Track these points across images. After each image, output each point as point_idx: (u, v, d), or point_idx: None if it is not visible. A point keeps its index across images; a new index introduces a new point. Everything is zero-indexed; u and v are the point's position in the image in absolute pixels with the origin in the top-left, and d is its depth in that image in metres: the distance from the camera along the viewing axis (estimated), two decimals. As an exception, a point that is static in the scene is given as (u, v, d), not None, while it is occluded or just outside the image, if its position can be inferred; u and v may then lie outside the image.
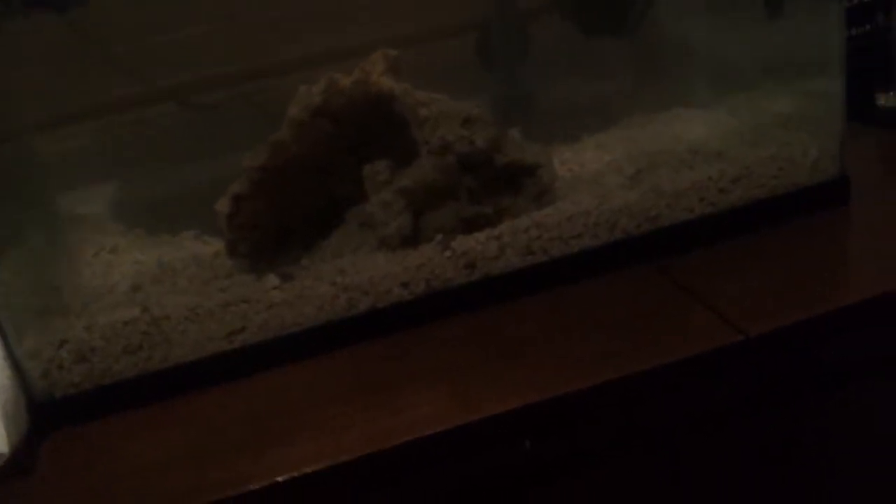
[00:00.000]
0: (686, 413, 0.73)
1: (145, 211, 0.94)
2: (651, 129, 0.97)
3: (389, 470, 0.65)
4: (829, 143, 0.87)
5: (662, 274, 0.81)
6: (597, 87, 1.01)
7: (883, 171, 0.97)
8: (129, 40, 0.93)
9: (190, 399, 0.73)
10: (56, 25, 0.88)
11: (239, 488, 0.63)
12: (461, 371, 0.72)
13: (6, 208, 0.82)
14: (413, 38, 0.96)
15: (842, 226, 0.86)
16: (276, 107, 0.83)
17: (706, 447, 0.75)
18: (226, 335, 0.76)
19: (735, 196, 0.85)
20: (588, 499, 0.74)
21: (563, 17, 1.01)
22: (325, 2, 0.96)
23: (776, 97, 0.95)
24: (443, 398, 0.69)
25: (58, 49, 0.90)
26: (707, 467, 0.76)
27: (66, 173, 0.94)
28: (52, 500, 0.66)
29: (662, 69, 1.03)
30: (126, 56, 0.93)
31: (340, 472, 0.64)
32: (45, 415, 0.72)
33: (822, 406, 0.76)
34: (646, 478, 0.75)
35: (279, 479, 0.63)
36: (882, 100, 1.04)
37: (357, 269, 0.79)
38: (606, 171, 0.89)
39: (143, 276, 0.83)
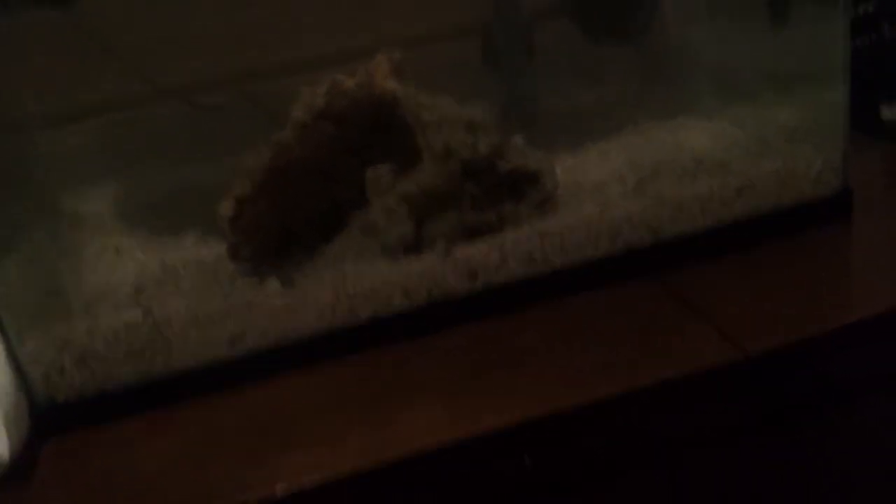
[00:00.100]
0: (686, 429, 0.73)
1: (148, 211, 0.94)
2: (654, 138, 0.96)
3: (387, 482, 0.66)
4: (832, 156, 0.87)
5: (664, 286, 0.81)
6: (601, 94, 1.01)
7: (887, 184, 0.97)
8: (131, 38, 0.92)
9: (191, 405, 0.73)
10: (58, 22, 0.88)
11: (238, 497, 0.63)
12: (461, 382, 0.72)
13: (7, 207, 0.82)
14: (417, 40, 0.95)
15: (844, 240, 0.86)
16: (279, 106, 0.83)
17: (706, 463, 0.75)
18: (227, 341, 0.76)
19: (737, 208, 0.85)
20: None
21: (568, 22, 1.00)
22: (329, 2, 0.96)
23: (780, 107, 0.94)
24: (442, 410, 0.69)
25: (60, 46, 0.90)
26: (707, 484, 0.76)
27: (69, 172, 0.94)
28: (52, 506, 0.66)
29: (666, 77, 1.02)
30: (129, 54, 0.92)
31: (338, 483, 0.64)
32: (46, 419, 0.73)
33: (824, 424, 0.77)
34: (646, 494, 0.75)
35: (278, 488, 0.63)
36: (887, 112, 1.04)
37: (359, 276, 0.79)
38: (609, 180, 0.89)
39: (146, 277, 0.83)
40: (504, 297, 0.80)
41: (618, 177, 0.89)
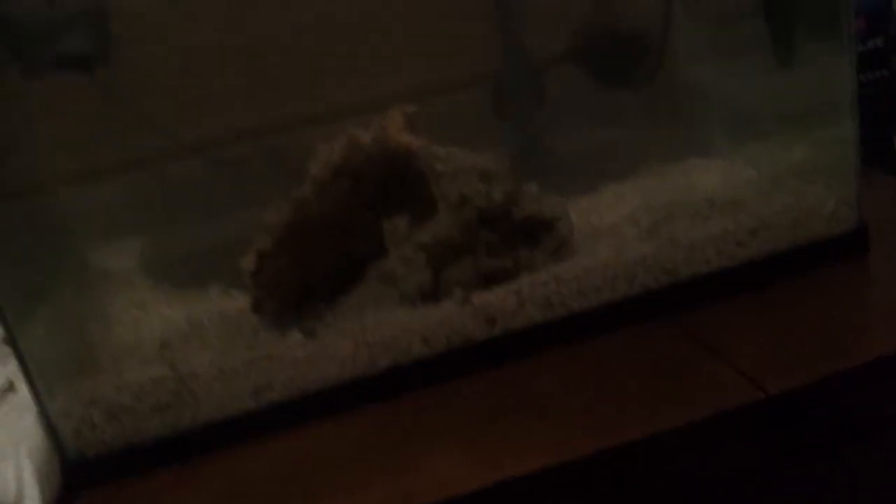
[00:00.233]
0: (707, 470, 0.73)
1: (173, 265, 0.97)
2: (668, 179, 0.98)
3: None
4: (845, 192, 0.87)
5: (681, 328, 0.81)
6: (613, 138, 1.02)
7: (902, 219, 0.97)
8: (153, 97, 0.95)
9: (217, 458, 0.75)
10: (83, 84, 0.91)
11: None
12: (482, 428, 0.73)
13: (36, 264, 0.84)
14: (429, 90, 0.98)
15: (861, 276, 0.86)
16: (298, 158, 0.85)
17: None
18: (251, 393, 0.77)
19: (752, 248, 0.85)
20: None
21: (577, 68, 1.02)
22: (342, 56, 0.98)
23: (791, 146, 0.95)
24: (462, 456, 0.70)
25: (84, 107, 0.93)
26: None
27: (95, 229, 0.97)
28: (83, 560, 0.68)
29: (677, 119, 1.04)
30: (150, 113, 0.95)
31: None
32: (77, 474, 0.74)
33: (843, 462, 0.76)
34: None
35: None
36: (900, 146, 1.04)
37: (378, 326, 0.80)
38: (623, 223, 0.90)
39: (172, 332, 0.85)
40: (522, 341, 0.81)
41: (632, 219, 0.91)
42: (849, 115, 0.87)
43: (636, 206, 0.92)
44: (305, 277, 0.85)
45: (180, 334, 0.85)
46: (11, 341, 0.74)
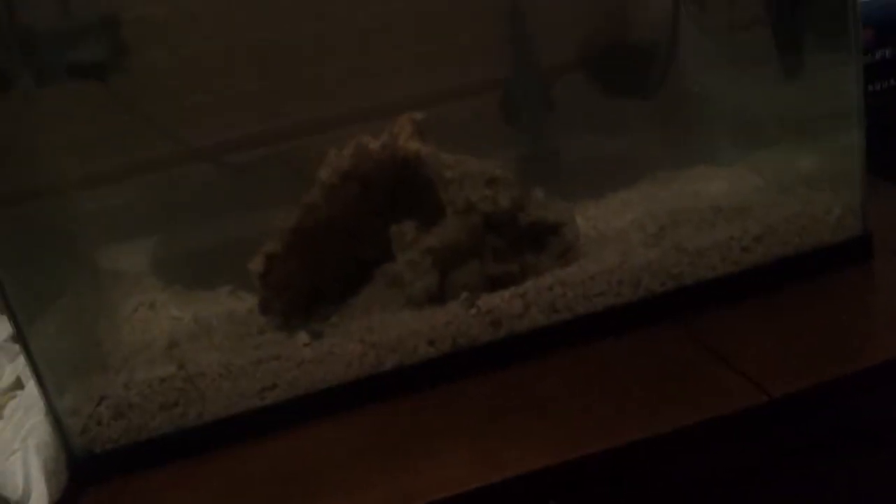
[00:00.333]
0: (709, 473, 0.73)
1: (182, 266, 0.98)
2: (674, 187, 0.98)
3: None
4: (851, 200, 0.88)
5: (686, 332, 0.81)
6: (619, 145, 1.03)
7: (907, 228, 0.97)
8: (164, 103, 0.97)
9: (223, 455, 0.75)
10: (95, 91, 0.92)
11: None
12: (485, 429, 0.73)
13: (47, 265, 0.85)
14: (437, 96, 0.99)
15: (865, 283, 0.87)
16: (306, 165, 0.86)
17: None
18: (258, 392, 0.78)
19: (758, 254, 0.86)
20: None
21: (586, 76, 1.03)
22: (351, 63, 0.99)
23: (798, 154, 0.96)
24: (467, 456, 0.70)
25: (97, 113, 0.94)
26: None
27: (106, 230, 0.98)
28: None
29: (684, 127, 1.04)
30: (162, 118, 0.97)
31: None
32: (84, 469, 0.75)
33: (847, 466, 0.76)
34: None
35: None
36: (906, 156, 1.04)
37: (385, 327, 0.81)
38: (630, 229, 0.91)
39: (180, 332, 0.86)
40: (527, 344, 0.82)
41: (638, 225, 0.91)
42: (855, 123, 0.88)
43: (642, 212, 0.93)
44: (313, 280, 0.86)
45: (188, 334, 0.86)
46: (21, 339, 0.75)
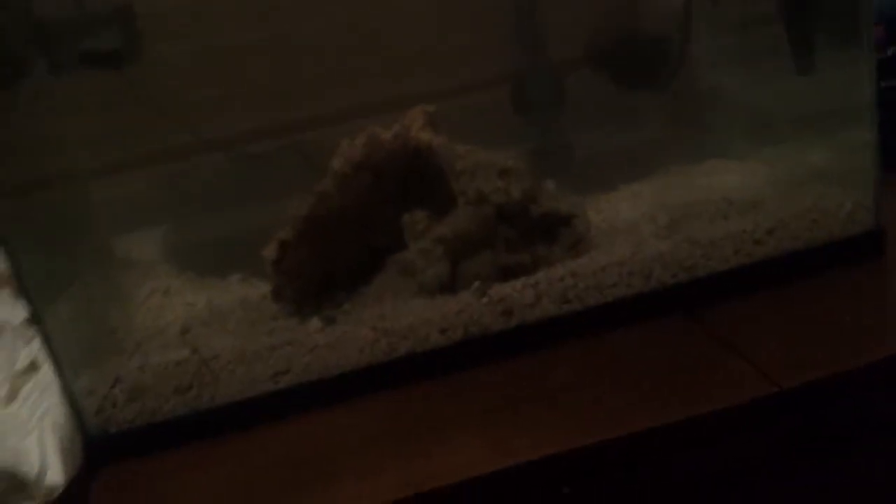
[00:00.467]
0: (719, 463, 0.74)
1: (195, 255, 0.98)
2: (686, 180, 0.99)
3: (426, 513, 0.67)
4: (863, 195, 0.88)
5: (696, 324, 0.82)
6: (632, 138, 1.04)
7: (919, 223, 0.98)
8: (179, 94, 0.98)
9: (236, 438, 0.76)
10: (113, 80, 0.93)
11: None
12: (497, 416, 0.74)
13: (64, 251, 0.86)
14: (450, 89, 0.99)
15: (876, 277, 0.87)
16: (320, 155, 0.87)
17: (739, 499, 0.75)
18: (271, 376, 0.79)
19: (770, 247, 0.86)
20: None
21: (599, 69, 1.03)
22: (366, 57, 1.00)
23: (810, 149, 0.96)
24: (479, 442, 0.71)
25: (114, 102, 0.95)
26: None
27: (121, 218, 0.99)
28: (103, 533, 0.69)
29: (697, 121, 1.05)
30: (177, 108, 0.97)
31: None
32: (98, 450, 0.76)
33: (857, 459, 0.77)
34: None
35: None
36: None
37: (397, 315, 0.82)
38: (641, 221, 0.91)
39: (194, 317, 0.87)
40: (539, 334, 0.82)
41: (650, 217, 0.92)
42: (867, 119, 0.88)
43: (654, 204, 0.93)
44: (326, 268, 0.86)
45: (202, 319, 0.86)
46: (37, 322, 0.75)
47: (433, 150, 0.86)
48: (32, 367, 0.83)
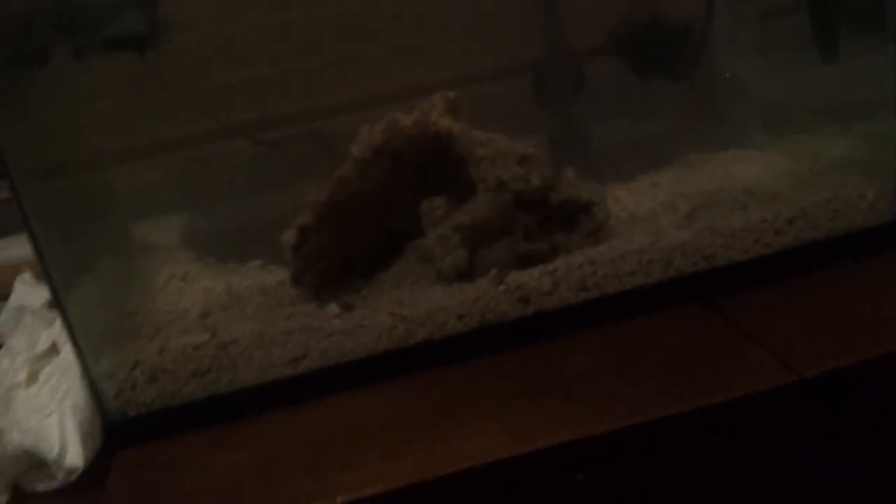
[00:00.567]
0: (738, 453, 0.74)
1: (215, 240, 0.99)
2: (706, 170, 0.98)
3: (442, 498, 0.67)
4: (885, 186, 0.87)
5: (716, 313, 0.81)
6: (652, 128, 1.03)
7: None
8: (201, 80, 0.98)
9: (254, 421, 0.76)
10: (134, 65, 0.93)
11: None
12: (514, 403, 0.74)
13: (85, 236, 0.87)
14: (471, 77, 0.99)
15: (897, 268, 0.86)
16: (340, 142, 0.87)
17: (758, 488, 0.75)
18: (289, 361, 0.79)
19: (790, 237, 0.85)
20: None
21: (619, 58, 1.03)
22: (386, 44, 1.00)
23: (832, 139, 0.95)
24: (495, 430, 0.71)
25: (135, 87, 0.96)
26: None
27: (141, 203, 0.99)
28: (122, 515, 0.69)
29: (718, 110, 1.04)
30: (198, 94, 0.98)
31: (395, 497, 0.66)
32: (117, 433, 0.76)
33: (876, 449, 0.76)
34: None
35: (339, 501, 0.65)
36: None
37: (414, 301, 0.82)
38: (660, 210, 0.91)
39: (213, 302, 0.87)
40: (556, 322, 0.82)
41: (670, 206, 0.91)
42: (891, 109, 0.87)
43: (674, 193, 0.93)
44: (345, 253, 0.87)
45: (221, 304, 0.87)
46: (58, 305, 0.76)
47: (453, 137, 0.86)
48: (53, 349, 0.84)
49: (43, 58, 0.87)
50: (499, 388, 0.76)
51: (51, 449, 0.70)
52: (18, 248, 1.05)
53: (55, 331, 0.85)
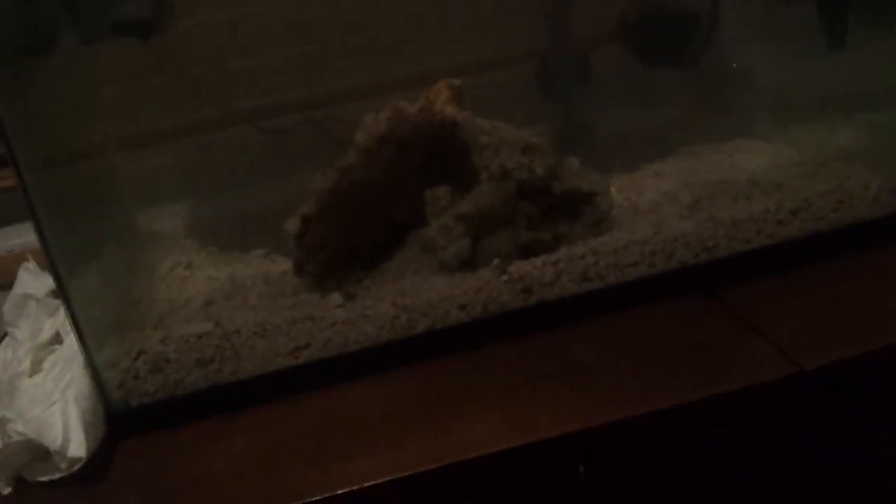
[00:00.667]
0: (740, 444, 0.74)
1: (218, 229, 0.99)
2: (710, 160, 0.98)
3: (445, 488, 0.68)
4: (889, 176, 0.87)
5: (718, 304, 0.81)
6: (656, 117, 1.03)
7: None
8: (206, 67, 0.98)
9: (257, 411, 0.77)
10: (139, 52, 0.93)
11: (303, 498, 0.66)
12: (516, 393, 0.74)
13: (88, 224, 0.87)
14: (475, 66, 0.99)
15: (901, 259, 0.86)
16: (344, 131, 0.87)
17: (759, 479, 0.75)
18: (292, 351, 0.79)
19: (793, 228, 0.85)
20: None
21: (624, 47, 1.02)
22: (391, 32, 0.99)
23: (836, 129, 0.95)
24: (497, 420, 0.71)
25: (140, 74, 0.95)
26: (759, 500, 0.76)
27: (145, 191, 0.99)
28: (125, 504, 0.70)
29: (722, 100, 1.04)
30: (203, 81, 0.97)
31: (398, 487, 0.66)
32: (120, 422, 0.76)
33: (878, 441, 0.76)
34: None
35: (340, 491, 0.65)
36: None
37: (417, 291, 0.82)
38: (664, 201, 0.90)
39: (216, 291, 0.87)
40: (558, 312, 0.82)
41: (673, 197, 0.91)
42: (896, 99, 0.87)
43: (678, 184, 0.92)
44: (348, 242, 0.87)
45: (224, 294, 0.87)
46: (62, 294, 0.76)
47: (458, 125, 0.86)
48: (56, 338, 0.84)
49: (47, 44, 0.87)
50: (501, 377, 0.76)
51: (54, 439, 0.70)
52: (23, 236, 1.06)
53: (59, 320, 0.85)
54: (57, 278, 0.75)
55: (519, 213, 0.85)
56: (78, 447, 0.71)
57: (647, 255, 0.83)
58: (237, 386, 0.78)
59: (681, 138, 1.00)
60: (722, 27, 1.02)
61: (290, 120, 0.99)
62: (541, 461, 0.69)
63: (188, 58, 0.96)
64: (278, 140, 1.00)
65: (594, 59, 1.02)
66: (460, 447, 0.68)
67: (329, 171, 0.85)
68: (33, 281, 0.90)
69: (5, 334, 0.87)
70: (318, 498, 0.66)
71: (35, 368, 0.80)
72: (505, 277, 0.82)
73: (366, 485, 0.66)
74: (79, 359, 0.77)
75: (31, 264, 0.93)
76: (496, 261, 0.83)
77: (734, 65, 1.04)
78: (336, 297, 0.82)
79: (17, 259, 0.96)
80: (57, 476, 0.70)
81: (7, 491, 0.71)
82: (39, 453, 0.71)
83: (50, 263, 0.74)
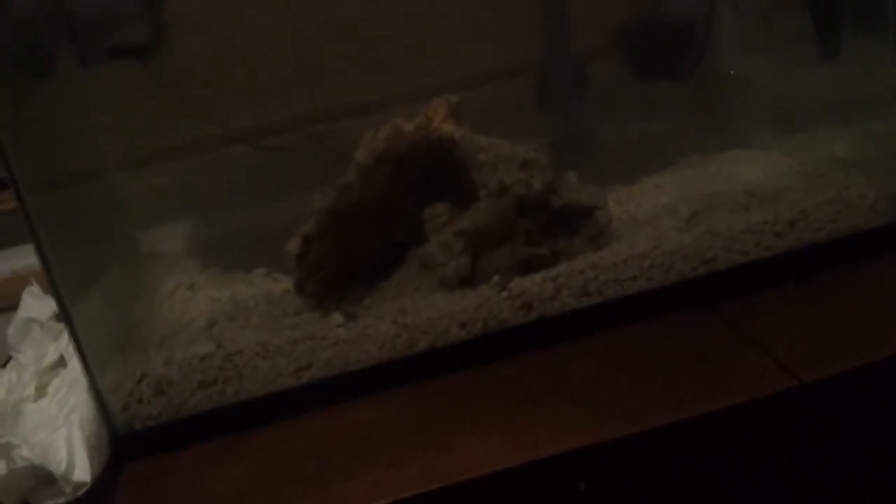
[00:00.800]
0: (740, 458, 0.74)
1: (220, 249, 0.99)
2: (708, 171, 0.98)
3: (446, 506, 0.68)
4: (887, 186, 0.87)
5: (717, 317, 0.82)
6: (654, 129, 1.03)
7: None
8: (204, 87, 0.98)
9: (260, 432, 0.77)
10: (138, 73, 0.94)
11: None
12: (517, 410, 0.74)
13: (90, 246, 0.87)
14: (472, 80, 0.99)
15: (899, 269, 0.86)
16: (344, 146, 0.87)
17: (759, 493, 0.75)
18: (294, 371, 0.79)
19: (791, 239, 0.85)
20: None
21: (620, 59, 1.03)
22: (389, 49, 1.00)
23: (833, 139, 0.95)
24: (499, 437, 0.71)
25: (140, 95, 0.96)
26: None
27: (146, 212, 1.00)
28: (130, 528, 0.70)
29: (719, 111, 1.04)
30: (201, 101, 0.98)
31: (400, 506, 0.67)
32: (124, 446, 0.77)
33: (879, 453, 0.76)
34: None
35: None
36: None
37: (417, 309, 0.82)
38: (662, 213, 0.91)
39: (218, 312, 0.88)
40: (559, 328, 0.82)
41: (671, 209, 0.91)
42: (893, 109, 0.87)
43: (675, 196, 0.93)
44: (348, 261, 0.87)
45: (226, 314, 0.88)
46: (65, 317, 0.77)
47: (455, 142, 0.86)
48: (60, 362, 0.85)
49: (47, 67, 0.87)
50: (501, 394, 0.77)
51: (59, 464, 0.71)
52: (26, 258, 1.06)
53: (63, 343, 0.86)
54: (59, 301, 0.75)
55: (518, 228, 0.86)
56: (83, 471, 0.71)
57: (646, 269, 0.84)
58: (240, 407, 0.78)
59: (678, 149, 1.01)
60: (717, 37, 1.02)
61: (289, 138, 1.00)
62: (541, 479, 0.69)
63: (188, 78, 0.96)
64: (278, 158, 1.00)
65: (591, 71, 1.02)
66: (461, 465, 0.69)
67: (328, 190, 0.85)
68: (37, 305, 0.91)
69: (9, 358, 0.88)
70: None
71: (40, 393, 0.81)
72: (505, 294, 0.82)
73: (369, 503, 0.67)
74: (83, 382, 0.77)
75: (34, 288, 0.94)
76: (496, 277, 0.83)
77: (731, 73, 1.05)
78: (337, 317, 0.83)
79: (20, 281, 0.97)
80: (62, 501, 0.71)
81: (13, 517, 0.71)
82: (44, 478, 0.71)
83: (52, 286, 0.75)
